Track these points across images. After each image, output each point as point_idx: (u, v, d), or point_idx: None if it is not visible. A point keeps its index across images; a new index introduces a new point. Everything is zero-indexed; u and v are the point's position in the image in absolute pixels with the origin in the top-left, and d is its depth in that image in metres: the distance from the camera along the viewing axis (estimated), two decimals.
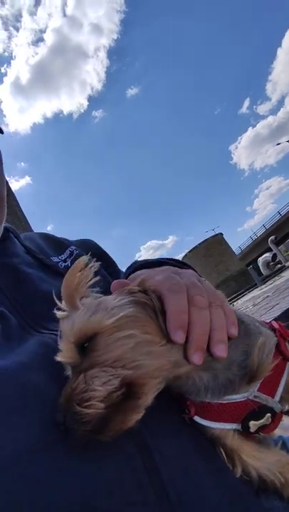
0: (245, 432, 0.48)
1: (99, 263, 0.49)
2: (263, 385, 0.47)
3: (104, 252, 0.90)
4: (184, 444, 0.45)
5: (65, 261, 0.74)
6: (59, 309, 0.46)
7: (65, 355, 0.42)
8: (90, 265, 0.48)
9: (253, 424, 0.47)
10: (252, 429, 0.47)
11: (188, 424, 0.48)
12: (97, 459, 0.37)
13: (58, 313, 0.46)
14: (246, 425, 0.47)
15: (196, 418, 0.47)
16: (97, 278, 0.47)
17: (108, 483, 0.36)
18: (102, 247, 0.92)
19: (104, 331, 0.41)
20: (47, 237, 0.85)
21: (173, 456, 0.42)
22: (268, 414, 0.47)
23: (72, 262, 0.72)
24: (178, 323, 0.42)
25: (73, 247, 0.80)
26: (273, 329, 0.53)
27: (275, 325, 0.54)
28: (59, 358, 0.42)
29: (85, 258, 0.48)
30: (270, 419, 0.48)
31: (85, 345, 0.41)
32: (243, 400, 0.46)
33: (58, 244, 0.81)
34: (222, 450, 0.48)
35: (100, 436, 0.37)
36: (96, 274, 0.48)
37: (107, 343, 0.40)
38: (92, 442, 0.37)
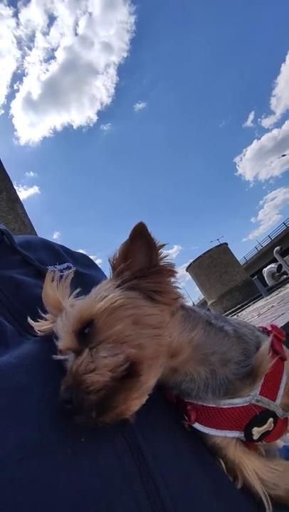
0: (248, 441, 0.47)
1: (73, 269, 0.54)
2: (263, 387, 0.47)
3: (97, 266, 0.91)
4: (180, 452, 0.44)
5: (61, 271, 0.72)
6: (43, 317, 0.49)
7: (66, 342, 0.42)
8: (67, 272, 0.51)
9: (257, 431, 0.46)
10: (255, 437, 0.47)
11: (186, 431, 0.47)
12: (89, 463, 0.37)
13: (46, 318, 0.48)
14: (249, 432, 0.46)
15: (197, 425, 0.47)
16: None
17: (100, 488, 0.35)
18: (104, 256, 0.92)
19: (100, 314, 0.42)
20: (47, 245, 0.84)
21: (169, 463, 0.41)
22: (271, 419, 0.47)
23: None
24: None
25: (70, 264, 0.79)
26: (267, 332, 0.54)
27: (269, 327, 0.55)
28: (59, 346, 0.43)
29: (55, 271, 0.51)
30: (272, 425, 0.47)
31: (86, 331, 0.42)
32: (245, 404, 0.46)
33: (58, 255, 0.80)
34: (222, 462, 0.47)
35: (104, 418, 0.37)
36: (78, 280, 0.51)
37: (107, 325, 0.41)
38: (95, 428, 0.37)
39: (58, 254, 0.81)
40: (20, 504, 0.32)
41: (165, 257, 0.47)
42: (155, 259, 0.46)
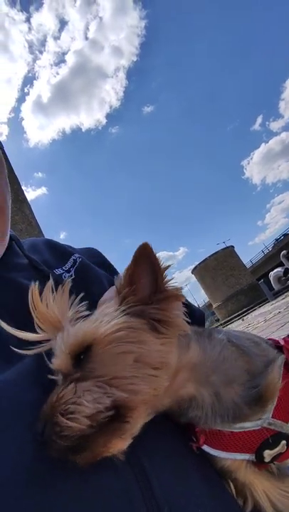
0: (259, 462, 0.45)
1: (71, 278, 0.51)
2: (276, 410, 0.45)
3: (109, 262, 0.89)
4: (188, 475, 0.42)
5: (68, 271, 0.72)
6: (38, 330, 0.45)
7: (58, 363, 0.40)
8: (64, 281, 0.48)
9: (268, 454, 0.45)
10: (267, 459, 0.45)
11: (194, 454, 0.45)
12: (92, 485, 0.35)
13: (31, 336, 0.44)
14: (261, 455, 0.44)
15: (205, 447, 0.45)
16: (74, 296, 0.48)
17: (103, 509, 0.34)
18: (112, 256, 0.90)
19: (101, 340, 0.39)
20: (50, 245, 0.83)
21: (175, 488, 0.39)
22: (284, 442, 0.45)
23: (75, 272, 0.72)
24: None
25: (77, 255, 0.78)
26: (280, 346, 0.51)
27: (282, 342, 0.52)
28: (52, 364, 0.41)
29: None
30: (285, 447, 0.45)
31: (81, 356, 0.40)
32: (257, 428, 0.44)
33: (62, 253, 0.79)
34: (231, 484, 0.45)
35: (77, 457, 0.34)
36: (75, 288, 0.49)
37: (104, 357, 0.39)
38: (70, 462, 0.34)
39: (63, 252, 0.80)
40: None
41: (170, 280, 0.44)
42: (161, 283, 0.43)
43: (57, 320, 0.44)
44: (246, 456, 0.45)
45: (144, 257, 0.42)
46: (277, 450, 0.45)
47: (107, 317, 0.42)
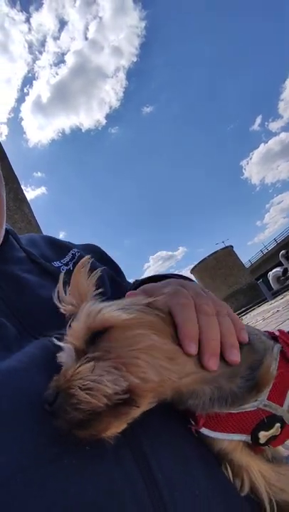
0: (254, 444, 0.47)
1: (67, 267, 0.53)
2: (272, 393, 0.46)
3: (110, 258, 0.90)
4: (185, 457, 0.43)
5: (66, 264, 0.73)
6: (69, 304, 0.47)
7: (74, 336, 0.41)
8: (95, 272, 0.50)
9: (263, 435, 0.46)
10: (262, 441, 0.46)
11: (192, 436, 0.47)
12: (93, 473, 0.36)
13: (67, 308, 0.46)
14: (256, 436, 0.46)
15: (204, 430, 0.46)
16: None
17: (105, 496, 0.35)
18: (110, 254, 0.91)
19: (121, 324, 0.40)
20: (49, 240, 0.84)
21: (173, 468, 0.40)
22: (278, 424, 0.46)
23: (74, 266, 0.71)
24: (189, 334, 0.42)
25: (75, 250, 0.79)
26: (275, 337, 0.53)
27: (277, 333, 0.54)
28: (68, 334, 0.42)
29: (88, 257, 0.50)
30: (279, 430, 0.47)
31: (98, 335, 0.40)
32: (253, 409, 0.46)
33: (60, 248, 0.80)
34: (228, 466, 0.47)
35: (80, 432, 0.35)
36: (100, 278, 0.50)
37: (122, 339, 0.40)
38: (72, 436, 0.35)
39: (61, 247, 0.81)
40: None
41: None
42: None
43: (87, 294, 0.46)
44: (242, 437, 0.46)
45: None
46: (271, 432, 0.47)
47: (132, 305, 0.43)
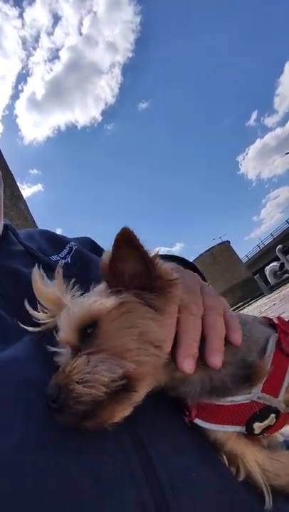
0: (249, 434, 0.47)
1: (65, 260, 0.54)
2: (266, 384, 0.46)
3: (102, 248, 0.90)
4: (180, 444, 0.44)
5: (64, 258, 0.74)
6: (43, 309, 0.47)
7: (66, 336, 0.42)
8: (58, 266, 0.50)
9: (258, 426, 0.46)
10: (256, 431, 0.47)
11: (188, 427, 0.47)
12: (93, 459, 0.37)
13: (38, 315, 0.47)
14: (250, 427, 0.46)
15: (197, 421, 0.46)
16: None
17: (104, 483, 0.35)
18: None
19: (107, 316, 0.41)
20: (47, 235, 0.85)
21: (170, 454, 0.41)
22: (273, 415, 0.47)
23: (71, 259, 0.74)
24: (167, 333, 0.42)
25: (72, 243, 0.80)
26: (273, 325, 0.52)
27: (276, 320, 0.53)
28: (59, 338, 0.42)
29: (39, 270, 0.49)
30: (274, 420, 0.47)
31: (88, 331, 0.41)
32: (246, 401, 0.46)
33: (58, 242, 0.81)
34: (224, 456, 0.47)
35: (88, 423, 0.37)
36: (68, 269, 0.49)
37: (112, 331, 0.40)
38: (80, 428, 0.37)
39: (59, 240, 0.82)
40: (27, 498, 0.32)
41: (162, 266, 0.42)
42: (151, 270, 0.42)
43: (58, 299, 0.46)
44: (237, 429, 0.47)
45: (125, 242, 0.41)
46: (266, 423, 0.47)
47: (104, 294, 0.43)
